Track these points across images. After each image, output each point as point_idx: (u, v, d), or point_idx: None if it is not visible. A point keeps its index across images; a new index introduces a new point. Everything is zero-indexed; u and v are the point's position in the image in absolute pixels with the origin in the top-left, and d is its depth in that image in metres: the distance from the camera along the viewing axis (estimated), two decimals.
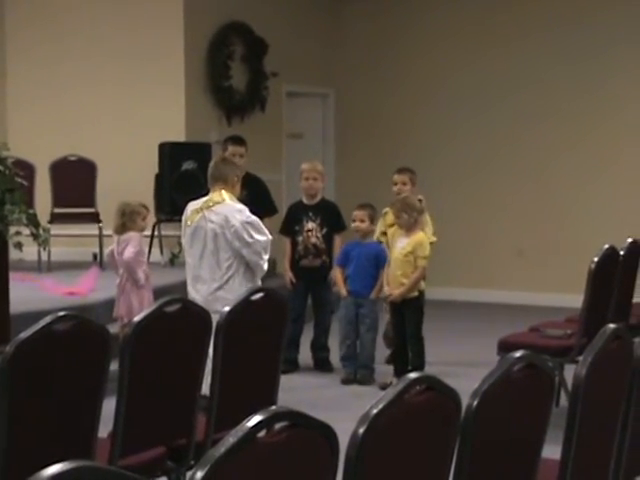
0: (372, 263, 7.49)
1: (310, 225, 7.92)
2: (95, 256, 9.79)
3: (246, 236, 6.01)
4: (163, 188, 9.69)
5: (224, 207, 6.12)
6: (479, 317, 10.22)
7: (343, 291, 7.52)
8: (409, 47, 11.69)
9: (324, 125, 12.18)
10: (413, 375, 2.30)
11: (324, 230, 7.91)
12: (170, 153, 9.72)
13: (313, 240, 7.91)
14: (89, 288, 8.00)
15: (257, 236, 6.03)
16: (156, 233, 9.76)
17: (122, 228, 6.95)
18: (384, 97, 11.85)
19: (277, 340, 4.09)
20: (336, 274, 7.63)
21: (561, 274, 10.61)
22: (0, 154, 6.36)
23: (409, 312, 7.23)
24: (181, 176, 9.63)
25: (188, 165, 9.69)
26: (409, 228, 7.26)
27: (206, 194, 6.32)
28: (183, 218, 6.36)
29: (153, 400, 3.62)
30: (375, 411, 2.16)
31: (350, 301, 7.51)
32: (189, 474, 1.87)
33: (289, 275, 7.88)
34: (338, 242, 7.92)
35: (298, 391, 6.79)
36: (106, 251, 7.29)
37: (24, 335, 3.15)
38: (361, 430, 2.14)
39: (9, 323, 6.21)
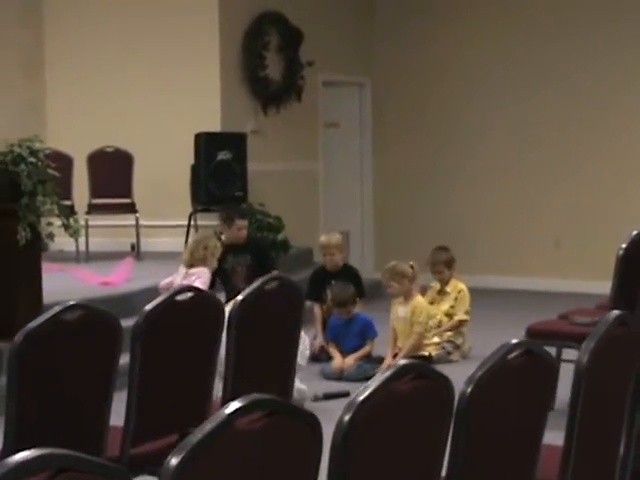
0: (360, 338, 7.39)
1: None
2: (133, 246, 9.88)
3: None
4: (199, 178, 9.72)
5: None
6: (513, 304, 10.12)
7: (343, 363, 7.24)
8: (447, 36, 11.60)
9: (361, 114, 12.14)
10: (402, 362, 2.30)
11: None
12: (206, 143, 9.74)
13: None
14: (124, 278, 8.07)
15: None
16: (192, 223, 9.83)
17: (200, 262, 6.94)
18: (421, 86, 11.79)
19: (292, 329, 4.09)
20: (332, 349, 7.44)
21: (597, 262, 10.50)
22: (33, 146, 6.44)
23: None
24: (217, 166, 9.67)
25: (224, 155, 9.72)
26: (406, 296, 7.17)
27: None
28: None
29: (165, 388, 3.64)
30: (361, 398, 2.16)
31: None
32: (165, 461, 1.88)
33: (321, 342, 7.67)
34: (359, 307, 7.71)
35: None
36: (164, 280, 7.09)
37: (32, 324, 3.18)
38: (347, 417, 2.14)
39: (41, 313, 6.28)
